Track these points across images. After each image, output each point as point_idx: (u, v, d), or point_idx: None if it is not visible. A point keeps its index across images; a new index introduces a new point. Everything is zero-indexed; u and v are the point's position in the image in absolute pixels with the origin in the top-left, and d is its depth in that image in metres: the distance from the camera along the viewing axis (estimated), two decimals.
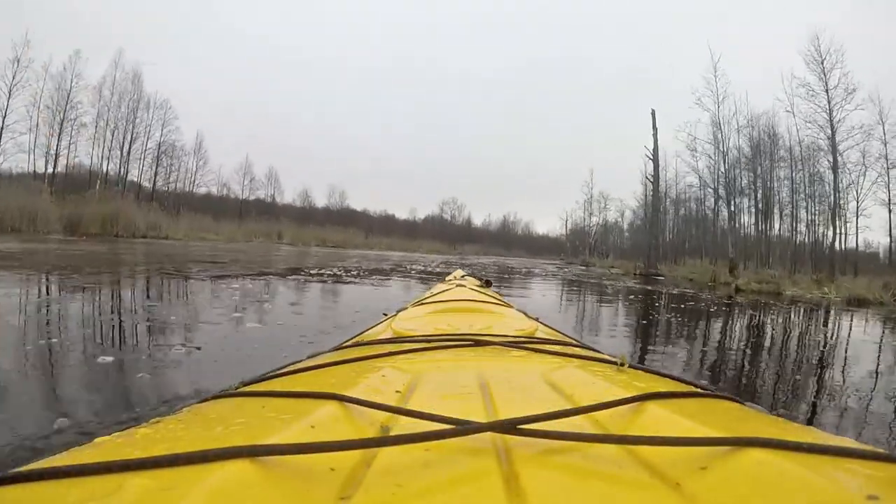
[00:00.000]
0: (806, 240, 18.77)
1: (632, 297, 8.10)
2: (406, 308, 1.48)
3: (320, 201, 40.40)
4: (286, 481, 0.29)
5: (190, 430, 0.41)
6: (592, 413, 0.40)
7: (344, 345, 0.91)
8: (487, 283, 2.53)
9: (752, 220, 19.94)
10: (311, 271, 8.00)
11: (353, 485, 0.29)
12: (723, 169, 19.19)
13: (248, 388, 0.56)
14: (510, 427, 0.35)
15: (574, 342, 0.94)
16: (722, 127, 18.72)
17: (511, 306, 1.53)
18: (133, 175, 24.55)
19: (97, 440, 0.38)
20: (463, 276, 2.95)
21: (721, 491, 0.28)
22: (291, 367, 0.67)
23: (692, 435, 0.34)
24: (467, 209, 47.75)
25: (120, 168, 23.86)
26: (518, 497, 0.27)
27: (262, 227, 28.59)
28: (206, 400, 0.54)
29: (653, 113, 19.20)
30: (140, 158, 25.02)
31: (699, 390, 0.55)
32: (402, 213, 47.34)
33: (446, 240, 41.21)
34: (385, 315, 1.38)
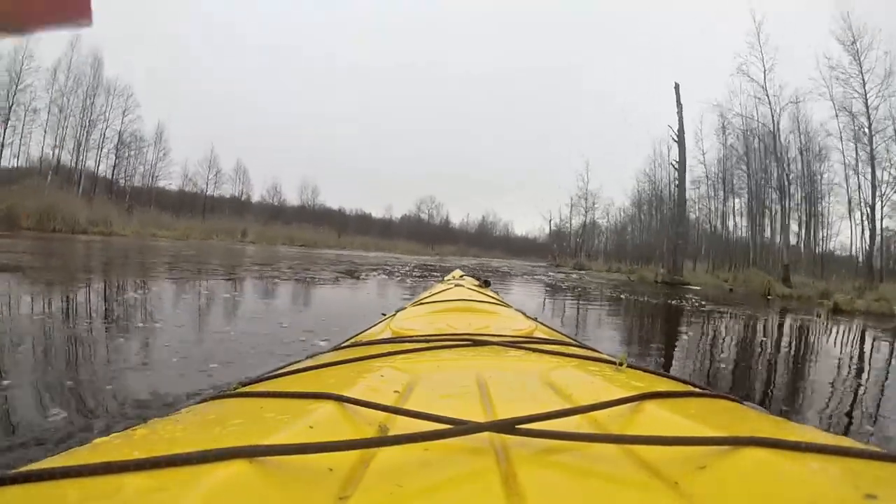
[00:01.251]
0: (830, 244, 16.54)
1: (723, 328, 5.11)
2: (405, 308, 1.48)
3: (292, 198, 37.98)
4: (285, 482, 0.29)
5: (188, 431, 0.41)
6: (591, 413, 0.40)
7: (342, 345, 0.91)
8: (486, 283, 2.54)
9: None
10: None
11: (352, 485, 0.29)
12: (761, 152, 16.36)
13: (246, 389, 0.56)
14: (509, 427, 0.35)
15: (573, 342, 0.95)
16: (771, 102, 15.83)
17: (510, 306, 1.54)
18: (91, 167, 22.87)
19: (96, 441, 0.38)
20: (462, 276, 2.95)
21: (719, 490, 0.28)
22: (290, 368, 0.66)
23: (691, 434, 0.34)
24: (445, 208, 46.29)
25: (76, 159, 22.06)
26: (516, 496, 0.27)
27: (226, 224, 26.59)
28: (204, 400, 0.53)
29: (676, 88, 16.24)
30: (97, 149, 23.15)
31: (698, 390, 0.55)
32: (377, 212, 45.04)
33: (423, 240, 39.72)
34: (384, 315, 1.38)
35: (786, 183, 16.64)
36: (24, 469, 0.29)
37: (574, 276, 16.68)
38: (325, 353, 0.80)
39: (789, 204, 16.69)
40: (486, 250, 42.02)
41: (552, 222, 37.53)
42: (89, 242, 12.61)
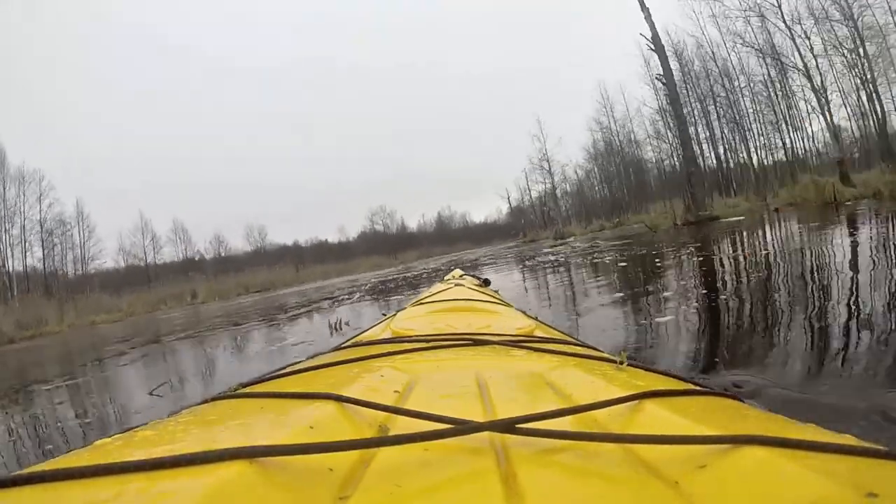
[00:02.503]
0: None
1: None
2: (405, 308, 1.48)
3: (240, 245, 35.93)
4: (285, 482, 0.29)
5: (189, 432, 0.41)
6: (591, 412, 0.40)
7: (343, 345, 0.91)
8: (486, 283, 2.55)
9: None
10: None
11: (352, 485, 0.29)
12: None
13: (246, 390, 0.56)
14: (508, 426, 0.35)
15: (573, 341, 0.95)
16: None
17: (510, 305, 1.55)
18: (19, 266, 20.76)
19: (97, 442, 0.38)
20: (462, 276, 2.95)
21: (720, 489, 0.28)
22: (290, 368, 0.67)
23: (691, 433, 0.34)
24: (399, 214, 44.77)
25: (3, 260, 20.05)
26: (516, 496, 0.27)
27: (172, 289, 24.62)
28: (205, 401, 0.54)
29: None
30: (21, 244, 21.09)
31: (698, 388, 0.56)
32: (332, 236, 43.60)
33: (384, 252, 38.58)
34: (384, 315, 1.38)
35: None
36: (25, 471, 0.29)
37: (562, 248, 12.12)
38: (325, 353, 0.80)
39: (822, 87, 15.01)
40: (451, 245, 41.00)
41: (510, 198, 35.54)
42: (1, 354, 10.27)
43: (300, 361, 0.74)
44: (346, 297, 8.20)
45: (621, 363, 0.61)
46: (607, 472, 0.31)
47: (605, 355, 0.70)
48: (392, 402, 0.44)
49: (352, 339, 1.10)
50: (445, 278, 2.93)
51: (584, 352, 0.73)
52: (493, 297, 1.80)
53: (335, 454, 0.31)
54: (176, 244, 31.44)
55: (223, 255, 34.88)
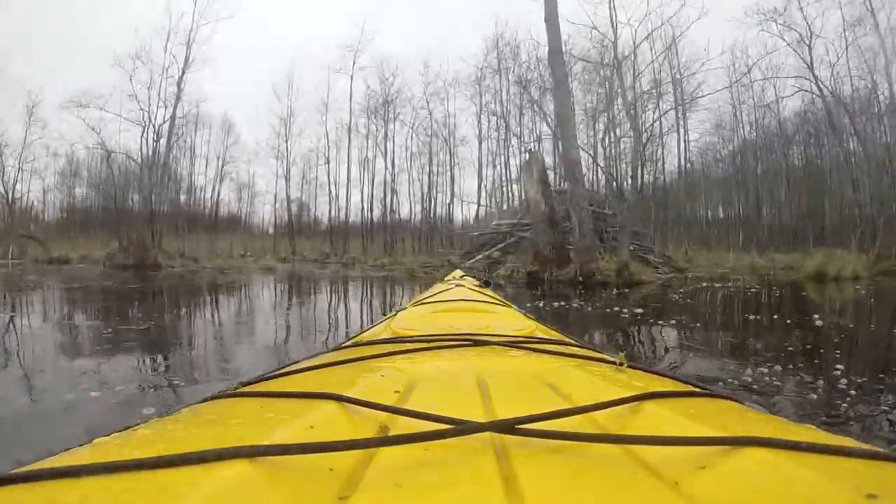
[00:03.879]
0: None
1: None
2: (405, 308, 1.48)
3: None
4: (285, 481, 0.29)
5: (189, 431, 0.41)
6: (591, 413, 0.40)
7: (343, 345, 0.91)
8: (486, 283, 2.55)
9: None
10: None
11: (352, 485, 0.29)
12: None
13: (246, 389, 0.56)
14: (509, 427, 0.35)
15: (573, 342, 0.95)
16: None
17: (510, 306, 1.55)
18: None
19: (96, 441, 0.38)
20: (462, 276, 2.95)
21: (719, 490, 0.28)
22: (290, 368, 0.67)
23: (691, 434, 0.34)
24: None
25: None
26: (516, 497, 0.27)
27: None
28: (205, 400, 0.54)
29: None
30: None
31: (698, 390, 0.56)
32: None
33: None
34: (385, 315, 1.38)
35: None
36: (23, 469, 0.29)
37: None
38: (325, 353, 0.81)
39: None
40: None
41: None
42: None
43: (300, 361, 0.75)
44: None
45: (621, 364, 0.61)
46: (607, 473, 0.31)
47: (605, 356, 0.70)
48: (392, 402, 0.44)
49: (352, 338, 1.10)
50: (446, 279, 2.93)
51: (583, 353, 0.73)
52: (493, 297, 1.80)
53: (335, 454, 0.31)
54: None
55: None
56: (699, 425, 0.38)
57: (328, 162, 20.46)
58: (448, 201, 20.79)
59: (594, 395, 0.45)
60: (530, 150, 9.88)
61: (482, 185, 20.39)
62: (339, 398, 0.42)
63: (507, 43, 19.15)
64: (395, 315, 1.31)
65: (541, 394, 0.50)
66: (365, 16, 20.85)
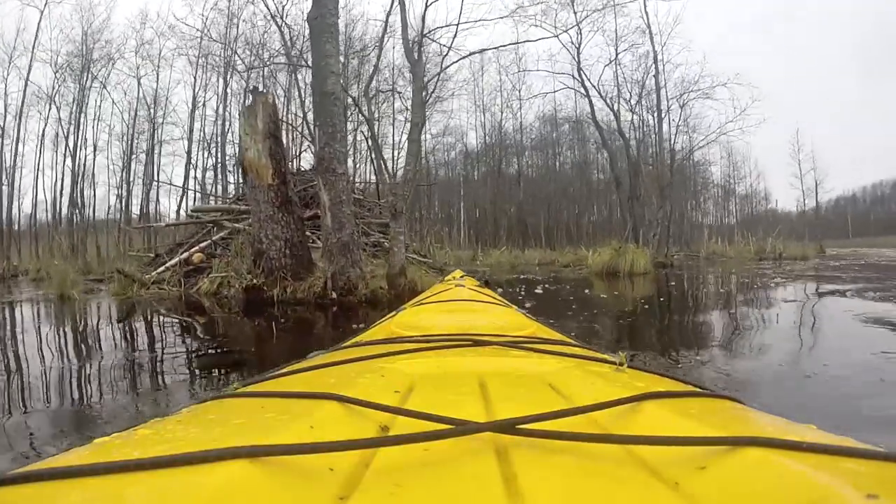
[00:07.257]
0: None
1: None
2: (405, 308, 1.48)
3: None
4: (285, 481, 0.29)
5: (189, 431, 0.41)
6: (591, 413, 0.40)
7: (343, 345, 0.91)
8: (486, 283, 2.55)
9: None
10: None
11: (352, 485, 0.29)
12: None
13: (247, 389, 0.56)
14: (509, 427, 0.35)
15: (573, 342, 0.95)
16: None
17: (511, 306, 1.54)
18: None
19: (96, 441, 0.38)
20: (462, 276, 2.95)
21: (720, 490, 0.28)
22: (290, 368, 0.67)
23: (691, 434, 0.34)
24: None
25: None
26: (517, 497, 0.27)
27: None
28: (205, 401, 0.54)
29: None
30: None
31: (698, 390, 0.56)
32: None
33: None
34: (385, 315, 1.37)
35: None
36: (24, 469, 0.29)
37: None
38: (325, 352, 0.81)
39: None
40: None
41: None
42: None
43: (300, 361, 0.74)
44: None
45: (621, 365, 0.61)
46: (608, 473, 0.31)
47: (606, 357, 0.70)
48: (393, 402, 0.44)
49: (352, 338, 1.09)
50: (446, 279, 2.92)
51: (584, 353, 0.73)
52: (494, 297, 1.80)
53: (335, 454, 0.31)
54: None
55: None
56: (699, 425, 0.38)
57: None
58: (148, 190, 16.35)
59: (594, 396, 0.45)
60: (255, 88, 6.91)
61: (189, 166, 15.96)
62: (339, 398, 0.42)
63: None
64: (395, 315, 1.31)
65: (541, 394, 0.49)
66: None
